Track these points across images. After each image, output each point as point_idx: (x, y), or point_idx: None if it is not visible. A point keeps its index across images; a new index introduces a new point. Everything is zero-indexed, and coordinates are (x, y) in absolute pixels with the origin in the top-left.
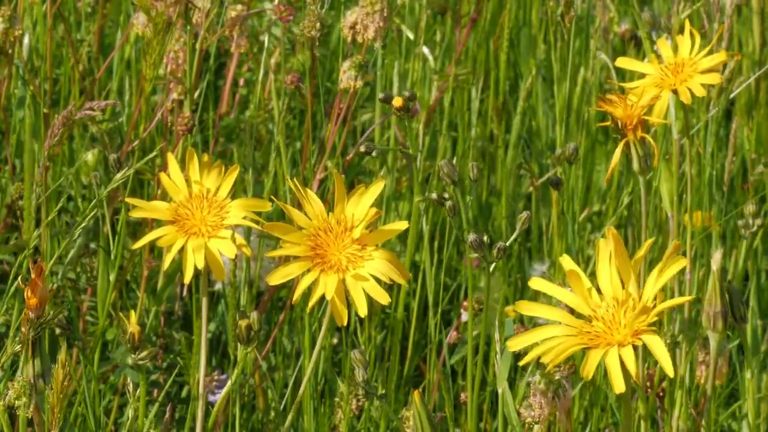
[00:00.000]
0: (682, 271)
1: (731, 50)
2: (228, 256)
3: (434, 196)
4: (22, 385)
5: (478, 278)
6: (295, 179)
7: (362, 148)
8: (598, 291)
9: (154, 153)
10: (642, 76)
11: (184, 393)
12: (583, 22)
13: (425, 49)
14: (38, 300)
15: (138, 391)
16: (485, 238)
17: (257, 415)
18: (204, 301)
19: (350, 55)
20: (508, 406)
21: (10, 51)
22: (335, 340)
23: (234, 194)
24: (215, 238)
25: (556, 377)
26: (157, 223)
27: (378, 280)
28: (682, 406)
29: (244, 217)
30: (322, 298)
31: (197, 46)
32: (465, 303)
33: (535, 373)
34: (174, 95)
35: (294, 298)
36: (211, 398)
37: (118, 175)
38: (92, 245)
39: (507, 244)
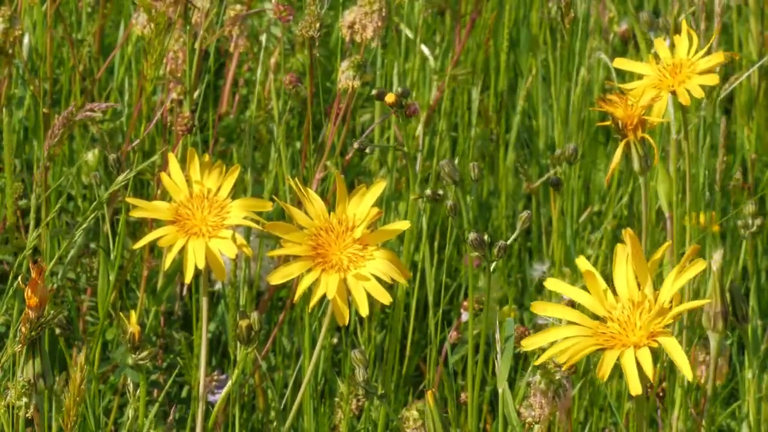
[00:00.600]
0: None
1: (730, 50)
2: (229, 256)
3: (428, 192)
4: (23, 385)
5: (478, 278)
6: (295, 178)
7: (355, 145)
8: (614, 292)
9: (155, 157)
10: (640, 77)
11: (184, 393)
12: (584, 23)
13: (425, 49)
14: (38, 300)
15: (138, 391)
16: (486, 237)
17: (257, 415)
18: (204, 301)
19: (349, 54)
20: (508, 406)
21: (10, 51)
22: (335, 340)
23: (234, 194)
24: (216, 238)
25: (557, 377)
26: (158, 223)
27: (379, 280)
28: (681, 406)
29: (245, 217)
30: (323, 297)
31: (197, 45)
32: (465, 303)
33: (535, 373)
34: (174, 95)
35: (295, 298)
36: (211, 398)
37: (120, 178)
38: (92, 245)
39: (508, 243)
